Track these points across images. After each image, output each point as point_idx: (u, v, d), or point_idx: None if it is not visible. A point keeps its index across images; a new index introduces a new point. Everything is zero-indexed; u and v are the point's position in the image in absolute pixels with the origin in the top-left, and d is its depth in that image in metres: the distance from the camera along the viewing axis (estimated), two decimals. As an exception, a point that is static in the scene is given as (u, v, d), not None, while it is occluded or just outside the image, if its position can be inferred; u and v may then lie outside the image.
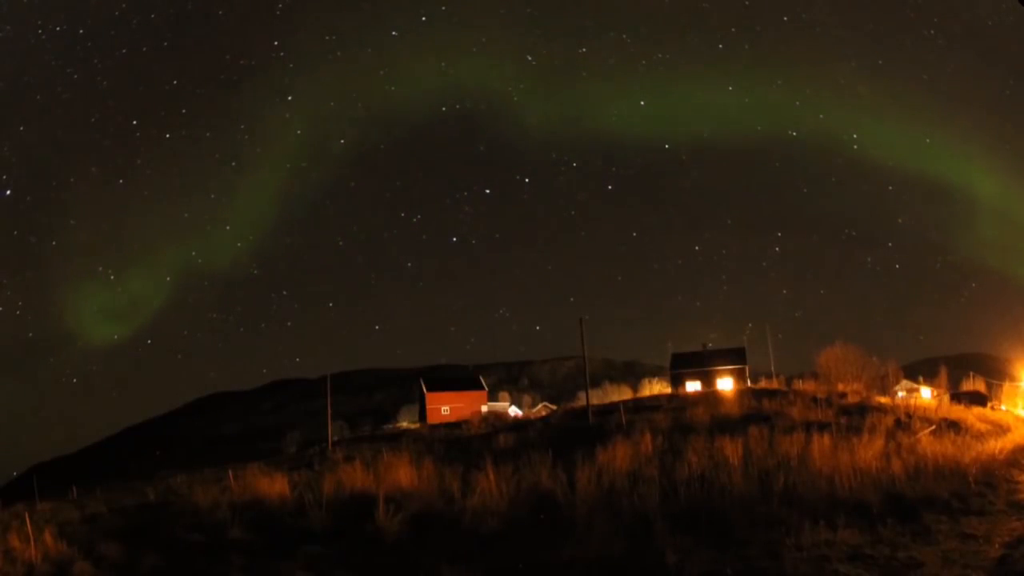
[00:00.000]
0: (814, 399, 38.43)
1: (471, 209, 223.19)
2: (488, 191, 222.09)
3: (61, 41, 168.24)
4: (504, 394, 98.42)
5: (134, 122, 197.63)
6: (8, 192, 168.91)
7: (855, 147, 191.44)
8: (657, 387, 69.36)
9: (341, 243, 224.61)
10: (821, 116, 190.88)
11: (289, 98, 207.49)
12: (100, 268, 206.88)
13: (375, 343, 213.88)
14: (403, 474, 17.24)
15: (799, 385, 51.98)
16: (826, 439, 17.59)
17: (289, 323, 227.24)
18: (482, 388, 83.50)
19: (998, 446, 19.77)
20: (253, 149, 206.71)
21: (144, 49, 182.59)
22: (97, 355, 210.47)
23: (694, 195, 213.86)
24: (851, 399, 39.54)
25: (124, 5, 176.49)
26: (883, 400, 41.46)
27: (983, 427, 28.66)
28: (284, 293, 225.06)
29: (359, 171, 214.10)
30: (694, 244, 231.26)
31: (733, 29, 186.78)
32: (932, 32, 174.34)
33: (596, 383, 75.29)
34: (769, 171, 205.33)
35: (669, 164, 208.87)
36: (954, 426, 26.67)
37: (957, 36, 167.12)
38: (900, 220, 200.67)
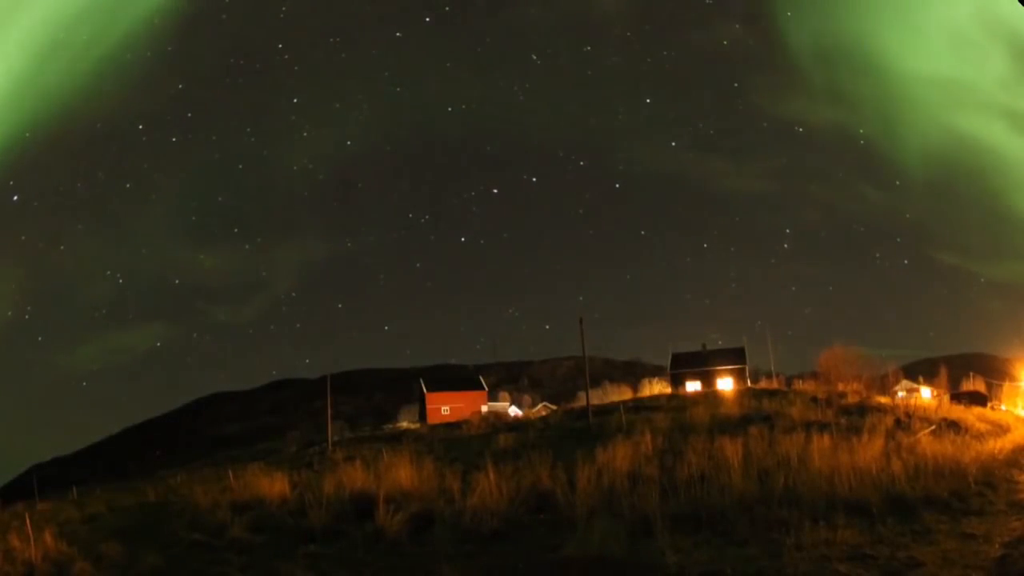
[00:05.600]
0: (814, 399, 38.46)
1: (479, 209, 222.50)
2: (496, 191, 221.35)
3: (64, 47, 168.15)
4: (504, 394, 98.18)
5: (140, 126, 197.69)
6: (15, 198, 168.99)
7: (861, 142, 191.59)
8: (657, 387, 69.26)
9: (349, 244, 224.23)
10: (827, 111, 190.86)
11: (295, 100, 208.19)
12: (108, 272, 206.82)
13: (384, 344, 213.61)
14: (403, 474, 17.24)
15: (799, 385, 52.06)
16: (826, 439, 17.60)
17: (298, 324, 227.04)
18: (482, 388, 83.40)
19: (998, 446, 19.79)
20: (259, 152, 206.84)
21: (148, 54, 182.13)
22: (105, 358, 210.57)
23: (701, 193, 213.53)
24: (851, 399, 39.55)
25: (127, 11, 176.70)
26: (883, 400, 41.47)
27: (983, 427, 28.67)
28: (293, 295, 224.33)
29: (366, 172, 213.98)
30: (703, 242, 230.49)
31: (737, 26, 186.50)
32: (936, 21, 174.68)
33: (596, 383, 75.21)
34: (776, 167, 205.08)
35: (676, 162, 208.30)
36: (954, 426, 26.67)
37: (958, 31, 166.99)
38: (908, 215, 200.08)
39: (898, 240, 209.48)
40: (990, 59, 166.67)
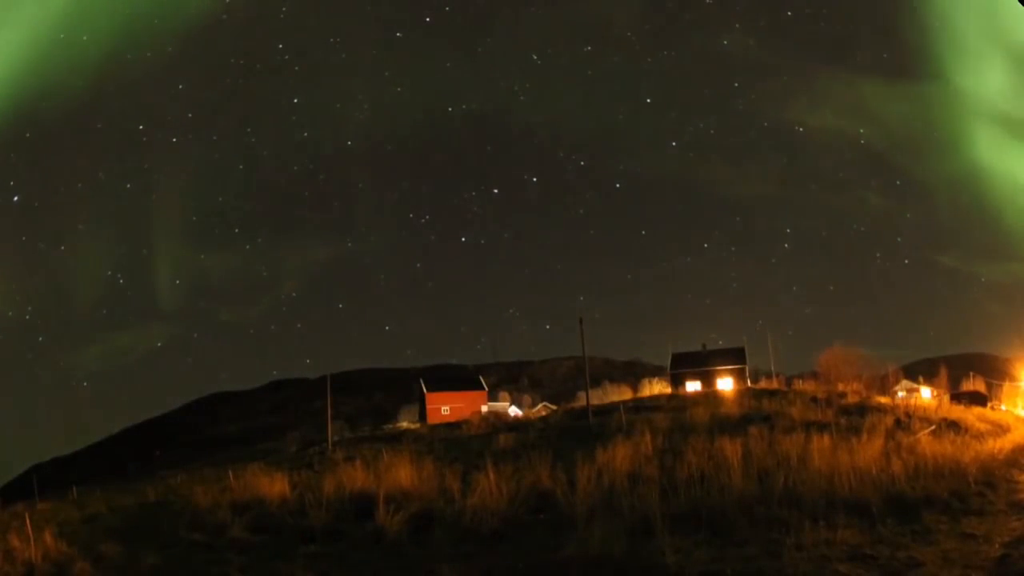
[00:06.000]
0: (814, 399, 38.50)
1: (479, 209, 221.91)
2: (496, 191, 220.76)
3: (65, 48, 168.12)
4: (504, 394, 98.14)
5: (140, 127, 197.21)
6: (16, 199, 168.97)
7: (862, 142, 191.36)
8: (657, 387, 69.27)
9: (350, 244, 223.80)
10: (828, 111, 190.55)
11: (295, 100, 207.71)
12: (109, 272, 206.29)
13: (385, 344, 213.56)
14: (403, 474, 17.25)
15: (799, 385, 52.08)
16: (826, 439, 17.60)
17: (299, 324, 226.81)
18: (482, 388, 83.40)
19: (998, 446, 19.79)
20: (260, 152, 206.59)
21: (148, 54, 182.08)
22: (105, 358, 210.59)
23: (701, 192, 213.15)
24: (851, 399, 39.58)
25: (127, 11, 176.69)
26: (883, 400, 41.50)
27: (983, 427, 28.68)
28: (293, 295, 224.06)
29: (366, 172, 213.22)
30: (703, 242, 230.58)
31: (737, 25, 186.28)
32: (937, 25, 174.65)
33: (596, 383, 75.21)
34: (777, 167, 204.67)
35: (676, 162, 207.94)
36: (954, 426, 26.69)
37: (961, 30, 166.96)
38: (908, 215, 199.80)
39: (898, 240, 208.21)
40: (990, 66, 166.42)
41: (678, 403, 42.25)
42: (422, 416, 78.04)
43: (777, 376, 62.11)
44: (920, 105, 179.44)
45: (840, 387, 45.96)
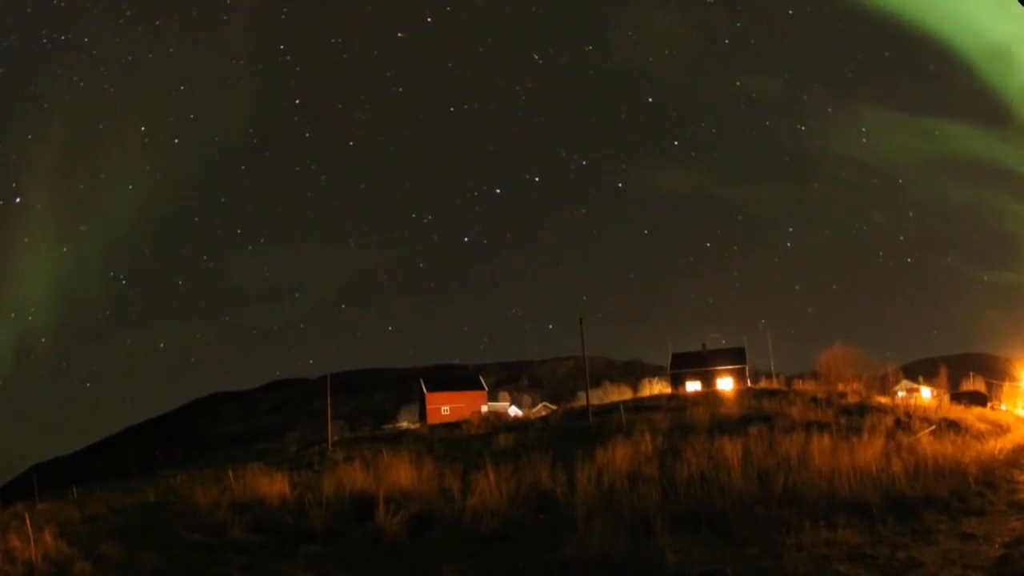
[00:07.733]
0: (814, 399, 38.46)
1: (482, 209, 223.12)
2: (498, 191, 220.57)
3: (67, 49, 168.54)
4: (504, 394, 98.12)
5: (142, 128, 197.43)
6: (18, 200, 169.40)
7: (864, 140, 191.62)
8: (657, 387, 69.20)
9: (352, 245, 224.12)
10: (829, 110, 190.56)
11: (297, 101, 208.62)
12: (111, 273, 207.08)
13: (387, 344, 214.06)
14: (403, 474, 17.25)
15: (799, 385, 51.98)
16: (826, 439, 17.59)
17: (302, 325, 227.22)
18: (482, 388, 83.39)
19: (998, 446, 19.78)
20: (262, 153, 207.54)
21: (150, 56, 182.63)
22: (107, 358, 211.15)
23: (703, 191, 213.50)
24: (851, 399, 39.54)
25: (129, 12, 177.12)
26: (883, 400, 41.47)
27: (983, 427, 28.67)
28: (296, 296, 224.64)
29: (368, 173, 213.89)
30: (705, 241, 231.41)
31: (738, 24, 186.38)
32: (937, 24, 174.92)
33: (596, 383, 75.17)
34: (778, 166, 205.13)
35: (678, 161, 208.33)
36: (954, 426, 26.68)
37: (963, 31, 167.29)
38: (911, 214, 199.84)
39: (901, 239, 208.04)
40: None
41: (678, 403, 42.19)
42: (422, 416, 78.01)
43: (777, 376, 62.06)
44: (919, 102, 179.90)
45: (840, 387, 45.90)
